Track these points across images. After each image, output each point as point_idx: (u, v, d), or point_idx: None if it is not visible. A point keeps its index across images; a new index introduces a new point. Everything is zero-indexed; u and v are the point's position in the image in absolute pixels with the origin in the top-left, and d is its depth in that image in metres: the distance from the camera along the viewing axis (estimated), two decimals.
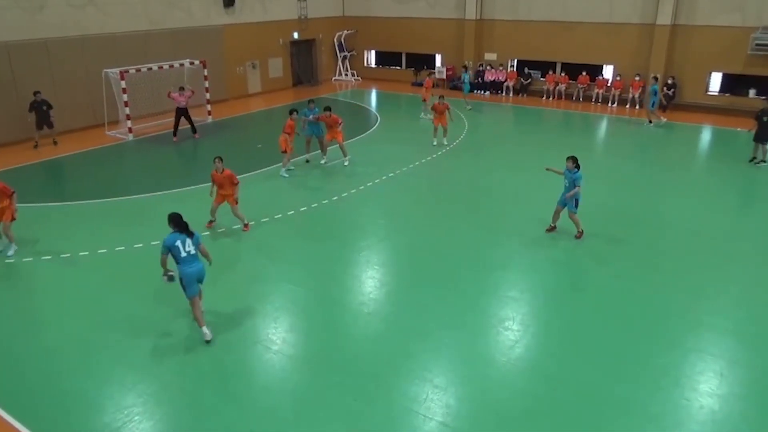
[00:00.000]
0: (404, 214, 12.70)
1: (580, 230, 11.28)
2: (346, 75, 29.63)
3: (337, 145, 15.77)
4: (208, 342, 7.97)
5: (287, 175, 14.87)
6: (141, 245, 10.94)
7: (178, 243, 7.87)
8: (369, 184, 14.32)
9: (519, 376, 7.41)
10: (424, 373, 7.38)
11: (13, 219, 10.57)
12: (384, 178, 14.84)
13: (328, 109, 15.51)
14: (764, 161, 16.01)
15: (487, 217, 12.54)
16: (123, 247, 10.83)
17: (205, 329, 8.05)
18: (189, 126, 18.45)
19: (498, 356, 7.78)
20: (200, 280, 8.12)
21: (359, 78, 29.60)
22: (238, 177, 11.45)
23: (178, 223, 7.90)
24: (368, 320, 8.64)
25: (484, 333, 8.30)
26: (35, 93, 16.97)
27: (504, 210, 12.93)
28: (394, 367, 7.51)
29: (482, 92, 26.23)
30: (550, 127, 21.17)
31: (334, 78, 29.75)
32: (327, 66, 29.45)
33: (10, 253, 10.58)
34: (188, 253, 7.91)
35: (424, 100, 21.49)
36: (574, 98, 24.67)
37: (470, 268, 10.20)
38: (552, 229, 11.59)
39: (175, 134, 18.36)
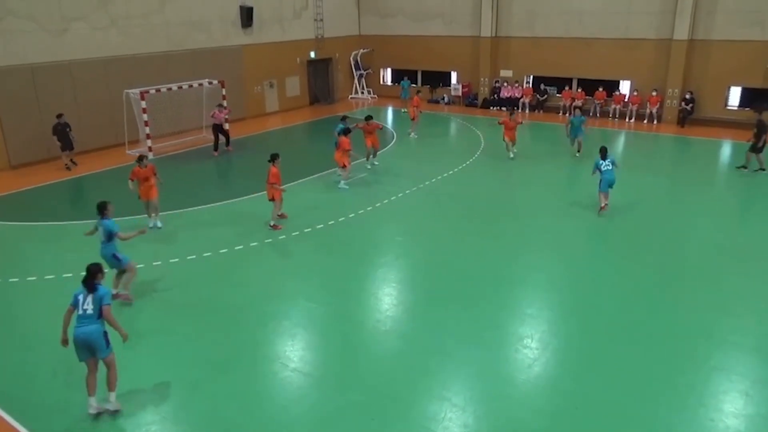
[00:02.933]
0: (422, 230, 12.70)
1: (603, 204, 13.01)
2: (363, 93, 29.85)
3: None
4: (91, 414, 6.86)
5: (347, 188, 15.68)
6: (159, 263, 11.10)
7: (80, 296, 6.75)
8: (385, 201, 14.37)
9: (538, 394, 7.31)
10: (443, 391, 7.31)
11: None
12: (400, 195, 14.89)
13: (369, 117, 17.17)
14: (763, 169, 16.48)
15: (505, 232, 12.50)
16: (142, 265, 10.93)
17: (91, 400, 6.86)
18: (224, 140, 19.34)
19: (517, 374, 7.68)
20: (91, 350, 6.72)
21: (375, 96, 29.80)
22: (255, 194, 11.73)
23: (87, 272, 6.78)
24: (386, 338, 8.60)
25: (503, 351, 8.22)
26: (58, 116, 17.31)
27: (522, 225, 12.86)
28: (411, 385, 7.45)
29: (498, 109, 26.25)
30: (567, 143, 21.04)
31: (350, 96, 29.98)
32: (343, 84, 29.71)
33: (159, 225, 12.76)
34: (84, 311, 6.69)
35: (412, 119, 21.51)
36: (590, 114, 24.57)
37: (488, 284, 10.14)
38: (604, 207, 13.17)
39: (215, 149, 19.04)
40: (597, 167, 13.20)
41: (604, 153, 13.24)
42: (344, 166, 15.56)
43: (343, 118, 16.98)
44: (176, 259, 11.21)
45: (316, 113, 25.90)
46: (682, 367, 7.77)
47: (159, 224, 12.83)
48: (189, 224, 13.10)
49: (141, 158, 12.53)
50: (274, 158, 12.62)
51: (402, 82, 26.67)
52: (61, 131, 17.26)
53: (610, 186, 13.07)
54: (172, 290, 10.11)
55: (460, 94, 27.58)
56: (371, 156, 17.48)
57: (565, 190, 15.41)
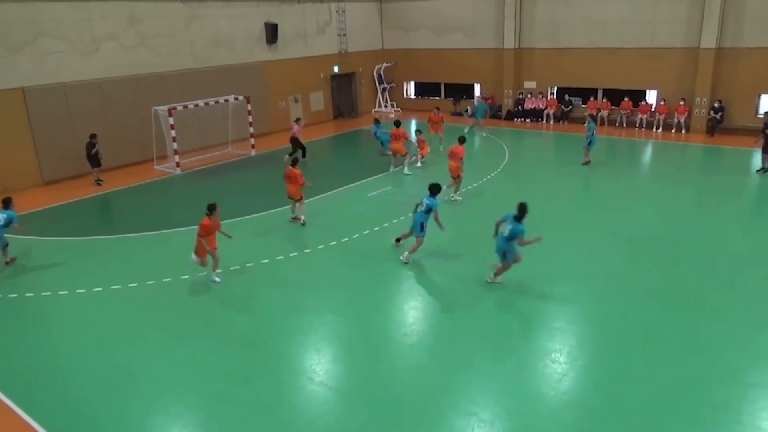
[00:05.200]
0: (448, 242, 12.63)
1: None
2: (386, 106, 30.00)
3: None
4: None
5: (411, 173, 17.85)
6: (187, 276, 11.22)
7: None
8: (410, 214, 14.29)
9: (567, 410, 7.17)
10: (470, 406, 7.23)
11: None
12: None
13: (397, 123, 18.53)
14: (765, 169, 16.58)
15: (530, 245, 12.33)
16: (170, 279, 11.07)
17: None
18: (293, 150, 19.68)
19: (545, 390, 7.56)
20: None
21: (399, 109, 29.92)
22: (277, 209, 12.06)
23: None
24: (412, 351, 8.54)
25: (531, 365, 8.11)
26: (91, 136, 17.66)
27: (547, 238, 12.70)
28: (438, 400, 7.38)
29: (522, 120, 26.13)
30: (593, 154, 20.79)
31: (374, 110, 30.14)
32: (367, 98, 29.91)
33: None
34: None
35: (435, 132, 20.81)
36: (617, 124, 24.30)
37: (515, 298, 10.04)
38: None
39: (304, 155, 19.63)
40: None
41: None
42: (404, 155, 17.77)
43: (376, 121, 19.60)
44: (204, 273, 11.32)
45: (340, 127, 26.10)
46: (716, 383, 7.57)
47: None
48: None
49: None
50: (294, 162, 13.48)
51: (477, 104, 24.59)
52: (88, 150, 17.66)
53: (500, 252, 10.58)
54: (200, 304, 10.24)
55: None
56: (396, 164, 18.13)
57: (589, 202, 15.19)
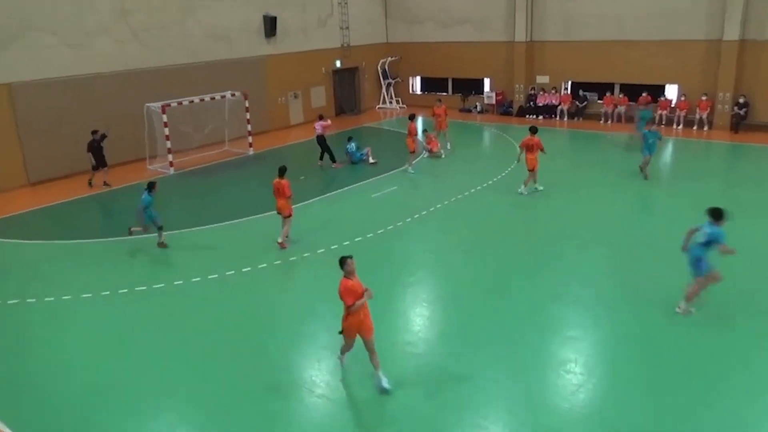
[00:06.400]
0: (456, 247, 12.60)
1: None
2: (391, 103, 29.98)
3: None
4: None
5: (413, 172, 17.94)
6: (181, 282, 11.19)
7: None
8: (416, 216, 14.31)
9: (583, 425, 7.06)
10: (480, 420, 7.14)
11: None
12: (432, 209, 14.80)
13: (411, 117, 18.60)
14: None
15: (543, 249, 12.30)
16: (163, 284, 11.03)
17: None
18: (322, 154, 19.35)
19: (560, 402, 7.46)
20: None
21: (404, 105, 29.87)
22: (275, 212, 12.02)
23: None
24: (417, 362, 8.45)
25: (544, 376, 8.01)
26: (93, 132, 17.51)
27: (561, 243, 12.64)
28: (446, 414, 7.29)
29: (534, 117, 26.03)
30: (610, 153, 20.69)
31: (378, 106, 30.13)
32: (370, 94, 29.90)
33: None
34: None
35: (440, 129, 20.90)
36: (635, 121, 24.13)
37: (526, 304, 9.95)
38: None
39: (333, 160, 19.17)
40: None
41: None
42: (412, 152, 17.84)
43: (350, 139, 19.68)
44: (198, 278, 11.31)
45: (342, 124, 26.08)
46: (746, 400, 7.43)
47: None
48: (205, 243, 13.18)
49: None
50: (281, 172, 12.68)
51: (641, 111, 20.53)
52: (96, 148, 17.44)
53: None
54: (193, 311, 10.20)
55: (494, 102, 27.46)
56: (412, 161, 18.28)
57: (608, 206, 15.05)
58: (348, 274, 7.59)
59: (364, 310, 7.67)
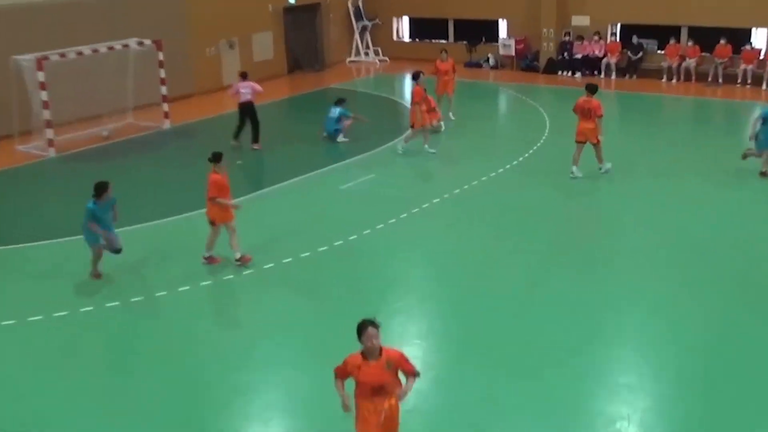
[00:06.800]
0: (453, 259, 12.60)
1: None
2: (367, 55, 30.01)
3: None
4: None
5: (403, 152, 18.18)
6: (90, 308, 11.11)
7: None
8: (404, 216, 14.29)
9: None
10: None
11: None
12: (426, 206, 14.76)
13: (416, 76, 18.48)
14: None
15: (576, 259, 12.37)
16: (41, 317, 10.92)
17: None
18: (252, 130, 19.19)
19: None
20: None
21: (386, 58, 29.93)
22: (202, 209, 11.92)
23: None
24: (405, 420, 8.39)
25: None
26: None
27: (604, 250, 12.77)
28: None
29: (570, 74, 26.15)
30: (675, 125, 20.87)
31: (349, 59, 30.17)
32: (338, 43, 29.95)
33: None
34: None
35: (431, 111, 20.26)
36: (709, 79, 24.35)
37: (557, 339, 9.97)
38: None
39: (257, 139, 19.15)
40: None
41: None
42: (412, 126, 17.96)
43: (340, 101, 19.54)
44: (116, 303, 11.27)
45: (298, 86, 26.03)
46: None
47: None
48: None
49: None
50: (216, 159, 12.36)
51: (764, 109, 16.65)
52: None
53: None
54: (102, 349, 10.12)
55: (513, 53, 27.59)
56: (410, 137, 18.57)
57: (676, 203, 15.15)
58: (366, 352, 6.47)
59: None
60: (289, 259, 12.47)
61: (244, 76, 19.32)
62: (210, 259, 12.50)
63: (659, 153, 17.73)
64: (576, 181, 15.76)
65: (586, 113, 15.42)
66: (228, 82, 25.82)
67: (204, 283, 11.95)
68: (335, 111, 19.34)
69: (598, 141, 15.60)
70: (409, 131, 18.24)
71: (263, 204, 15.26)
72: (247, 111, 18.93)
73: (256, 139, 19.05)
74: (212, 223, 12.36)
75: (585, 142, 15.58)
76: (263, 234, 13.63)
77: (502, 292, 11.35)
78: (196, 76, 24.85)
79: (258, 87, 19.07)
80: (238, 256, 12.34)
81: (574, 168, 15.79)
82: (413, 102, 18.03)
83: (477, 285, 11.65)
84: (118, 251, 12.16)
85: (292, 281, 11.96)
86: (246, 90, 18.82)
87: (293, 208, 15.13)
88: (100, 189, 11.93)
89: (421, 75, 18.45)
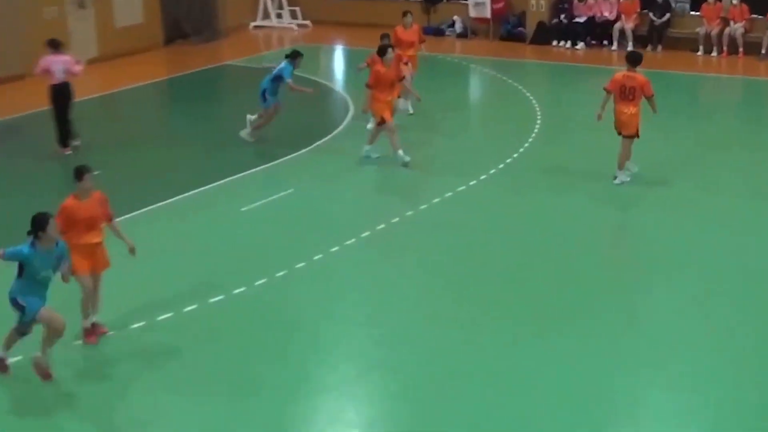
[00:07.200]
0: (410, 304, 12.54)
1: None
2: (280, 17, 30.33)
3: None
4: None
5: (377, 155, 18.15)
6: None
7: None
8: (352, 241, 14.35)
9: None
10: None
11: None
12: (364, 235, 14.70)
13: (383, 50, 17.93)
14: None
15: (585, 301, 12.39)
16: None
17: None
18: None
19: None
20: None
21: (307, 23, 30.32)
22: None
23: None
24: None
25: None
26: None
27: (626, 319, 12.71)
28: None
29: (569, 45, 26.32)
30: (714, 117, 21.11)
31: (253, 24, 30.57)
32: (237, 2, 29.96)
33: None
34: None
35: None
36: (763, 51, 24.72)
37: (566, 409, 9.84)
38: None
39: (63, 141, 18.96)
40: None
41: None
42: (381, 122, 17.72)
43: (296, 55, 19.22)
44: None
45: (179, 62, 25.98)
46: None
47: None
48: None
49: None
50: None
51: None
52: None
53: None
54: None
55: (489, 15, 27.89)
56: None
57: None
58: None
59: None
60: (163, 316, 12.16)
61: (55, 45, 19.00)
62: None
63: (697, 159, 17.90)
64: (586, 195, 15.90)
65: (627, 93, 15.55)
66: (78, 56, 25.62)
67: (76, 342, 11.54)
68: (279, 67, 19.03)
69: (638, 134, 15.82)
70: (374, 129, 18.13)
71: (132, 230, 14.84)
72: (63, 96, 18.73)
73: (64, 139, 18.82)
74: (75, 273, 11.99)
75: (635, 135, 15.77)
76: (114, 289, 13.20)
77: (463, 341, 11.14)
78: (30, 51, 24.39)
79: (76, 65, 18.87)
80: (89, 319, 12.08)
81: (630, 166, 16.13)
82: (376, 84, 17.83)
83: (429, 337, 11.40)
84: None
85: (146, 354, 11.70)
86: (60, 67, 18.57)
87: (164, 243, 14.74)
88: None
89: (389, 47, 18.34)
